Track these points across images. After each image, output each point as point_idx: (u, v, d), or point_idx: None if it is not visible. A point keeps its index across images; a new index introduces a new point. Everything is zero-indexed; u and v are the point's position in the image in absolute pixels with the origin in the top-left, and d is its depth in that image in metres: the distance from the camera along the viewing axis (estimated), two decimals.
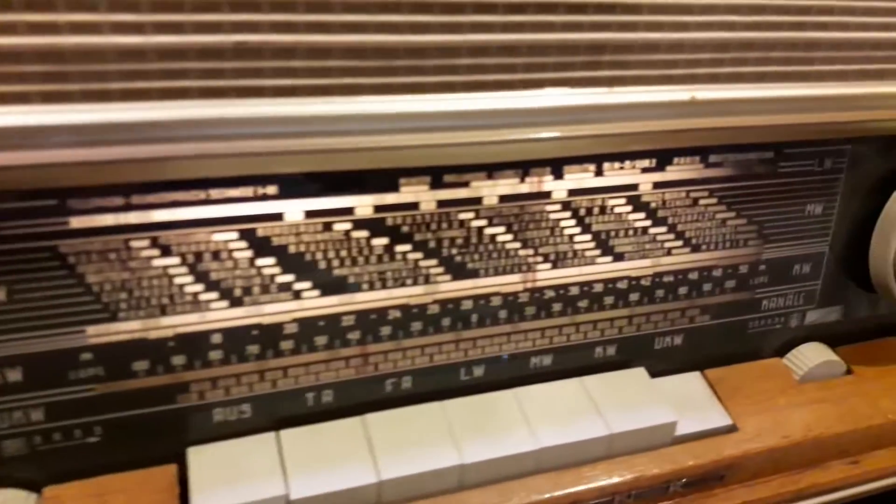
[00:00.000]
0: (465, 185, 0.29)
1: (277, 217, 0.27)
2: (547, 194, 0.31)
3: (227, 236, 0.27)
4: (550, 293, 0.32)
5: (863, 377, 0.37)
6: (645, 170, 0.32)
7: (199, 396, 0.29)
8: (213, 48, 0.23)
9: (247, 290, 0.28)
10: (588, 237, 0.32)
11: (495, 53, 0.25)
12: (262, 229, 0.27)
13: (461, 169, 0.29)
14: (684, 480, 0.32)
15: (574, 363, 0.34)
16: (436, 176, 0.29)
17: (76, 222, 0.25)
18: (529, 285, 0.32)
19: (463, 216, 0.30)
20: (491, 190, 0.30)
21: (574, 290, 0.33)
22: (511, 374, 0.33)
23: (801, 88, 0.30)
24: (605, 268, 0.33)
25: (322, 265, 0.28)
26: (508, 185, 0.30)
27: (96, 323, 0.26)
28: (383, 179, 0.28)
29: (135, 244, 0.26)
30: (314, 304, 0.29)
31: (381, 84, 0.25)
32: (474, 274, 0.31)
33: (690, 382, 0.35)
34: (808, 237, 0.36)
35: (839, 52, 0.30)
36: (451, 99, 0.26)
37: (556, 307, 0.33)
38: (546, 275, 0.32)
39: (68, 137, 0.23)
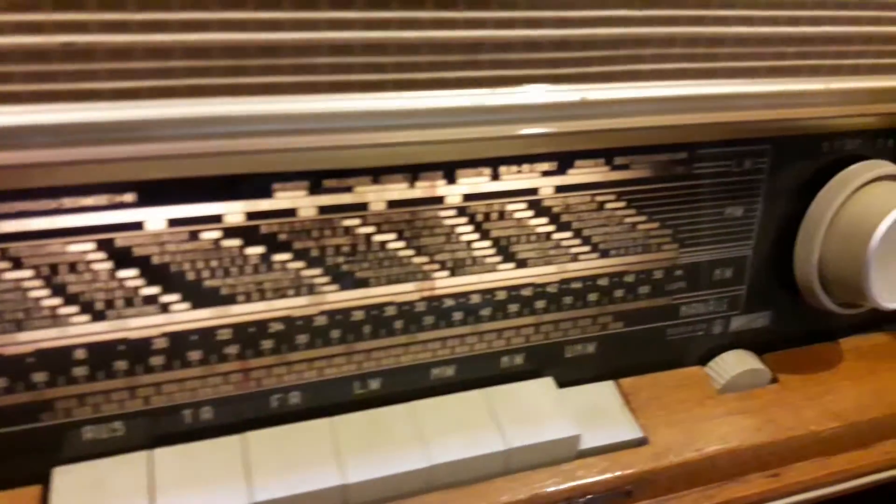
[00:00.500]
0: (348, 190, 0.27)
1: (137, 226, 0.26)
2: (440, 199, 0.29)
3: (82, 247, 0.25)
4: (450, 301, 0.31)
5: (788, 386, 0.36)
6: (545, 173, 0.30)
7: (65, 414, 0.27)
8: (39, 50, 0.22)
9: (109, 304, 0.26)
10: (487, 243, 0.30)
11: (361, 52, 0.24)
12: (120, 239, 0.25)
13: (342, 173, 0.27)
14: (588, 497, 0.30)
15: (479, 374, 0.32)
16: (314, 181, 0.27)
17: None
18: (426, 294, 0.30)
19: (348, 223, 0.28)
20: (378, 195, 0.28)
21: (475, 298, 0.31)
22: (411, 386, 0.32)
23: (705, 86, 0.29)
24: (508, 275, 0.31)
25: (191, 276, 0.27)
26: (397, 189, 0.28)
27: None
28: (255, 185, 0.26)
29: None
30: (185, 317, 0.27)
31: (242, 84, 0.24)
32: (364, 283, 0.29)
33: (602, 392, 0.34)
34: (728, 241, 0.35)
35: (745, 47, 0.28)
36: (320, 100, 0.24)
37: (457, 316, 0.31)
38: (444, 283, 0.30)
39: None
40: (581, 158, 0.30)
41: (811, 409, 0.35)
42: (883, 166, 0.34)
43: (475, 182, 0.29)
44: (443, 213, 0.29)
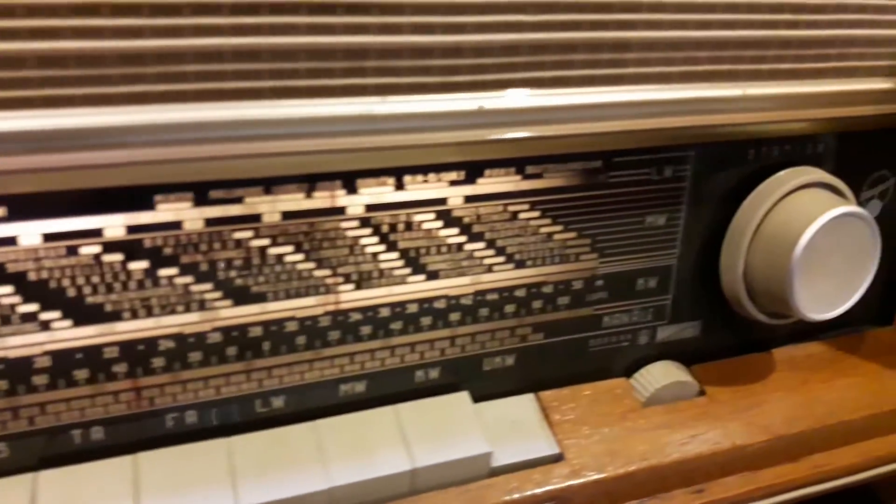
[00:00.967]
0: (238, 201, 0.26)
1: (10, 241, 0.24)
2: (341, 210, 0.28)
3: None
4: (357, 316, 0.30)
5: (716, 399, 0.35)
6: (453, 182, 0.29)
7: None
8: None
9: None
10: (395, 255, 0.29)
11: (231, 59, 0.22)
12: None
13: (230, 184, 0.26)
14: None
15: (392, 389, 0.31)
16: (200, 192, 0.26)
17: None
18: (331, 308, 0.29)
19: (239, 235, 0.27)
20: (271, 206, 0.27)
21: (384, 312, 0.30)
22: (318, 403, 0.30)
23: (613, 93, 0.28)
24: (419, 287, 0.30)
25: (71, 293, 0.25)
26: (292, 200, 0.27)
27: None
28: (135, 197, 0.25)
29: None
30: (68, 335, 0.26)
31: (112, 94, 0.23)
32: (261, 298, 0.28)
33: (520, 406, 0.32)
34: (651, 250, 0.34)
35: (654, 52, 0.27)
36: (191, 109, 0.23)
37: (366, 330, 0.30)
38: (350, 296, 0.29)
39: None
40: (491, 167, 0.29)
41: (738, 423, 0.34)
42: (811, 173, 0.33)
43: (378, 192, 0.28)
44: (344, 225, 0.28)
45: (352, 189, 0.28)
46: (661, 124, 0.29)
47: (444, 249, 0.30)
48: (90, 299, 0.26)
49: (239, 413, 0.29)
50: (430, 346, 0.31)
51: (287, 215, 0.27)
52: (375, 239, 0.29)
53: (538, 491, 0.30)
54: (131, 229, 0.25)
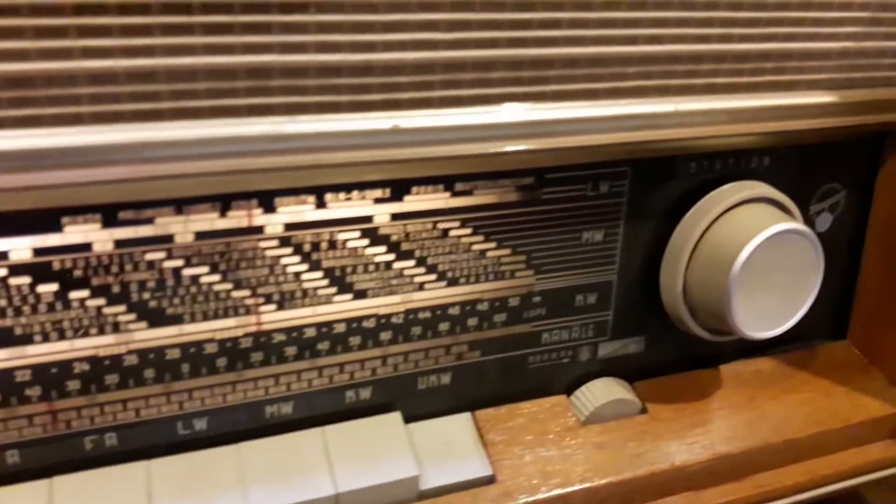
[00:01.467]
0: (149, 221, 0.26)
1: None
2: (259, 229, 0.27)
3: None
4: (280, 336, 0.29)
5: (658, 417, 0.34)
6: (378, 200, 0.28)
7: None
8: None
9: None
10: (319, 274, 0.29)
11: (126, 81, 0.22)
12: None
13: (140, 204, 0.26)
14: None
15: (321, 410, 0.31)
16: (109, 213, 0.25)
17: None
18: (253, 329, 0.29)
19: (151, 256, 0.26)
20: (183, 227, 0.26)
21: (310, 332, 0.29)
22: (243, 425, 0.30)
23: (535, 111, 0.27)
24: (346, 306, 0.30)
25: None
26: (206, 220, 0.26)
27: None
28: (41, 219, 0.24)
29: None
30: None
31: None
32: (178, 320, 0.27)
33: (455, 426, 0.32)
34: (589, 266, 0.33)
35: (577, 69, 0.27)
36: (86, 132, 0.22)
37: (290, 351, 0.29)
38: (272, 317, 0.29)
39: None
40: (418, 184, 0.29)
41: (680, 442, 0.33)
42: (754, 188, 0.33)
43: (298, 210, 0.27)
44: (263, 244, 0.27)
45: (269, 208, 0.27)
46: (591, 141, 0.28)
47: (371, 268, 0.29)
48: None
49: (160, 435, 0.29)
50: (360, 366, 0.31)
51: (201, 235, 0.26)
52: (297, 258, 0.28)
53: None
54: (38, 252, 0.25)
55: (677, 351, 0.36)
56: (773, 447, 0.34)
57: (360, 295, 0.30)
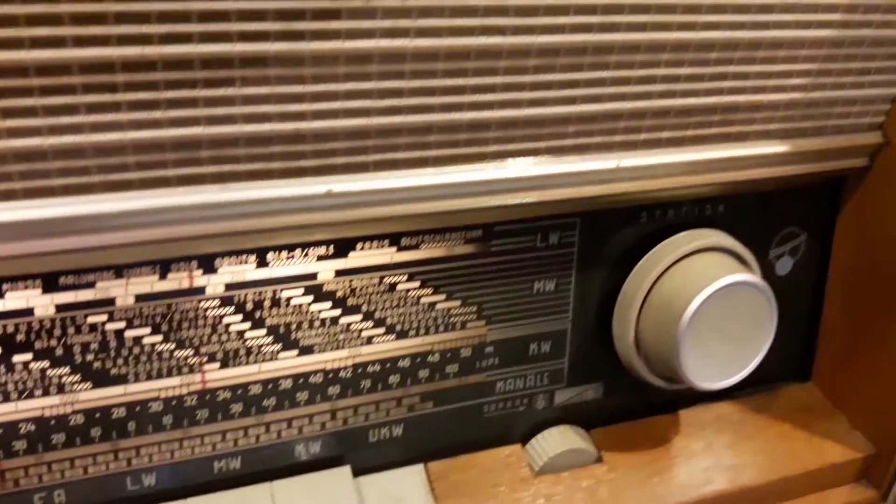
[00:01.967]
0: (90, 286, 0.26)
1: None
2: (200, 290, 0.27)
3: None
4: (226, 394, 0.29)
5: (614, 466, 0.34)
6: (322, 257, 0.29)
7: None
8: None
9: None
10: (262, 332, 0.29)
11: (54, 157, 0.22)
12: None
13: (78, 271, 0.26)
14: None
15: (270, 465, 0.31)
16: (49, 279, 0.26)
17: None
18: (198, 387, 0.29)
19: (93, 319, 0.27)
20: (124, 290, 0.26)
21: (256, 389, 0.30)
22: (191, 481, 0.30)
23: (472, 172, 0.27)
24: (292, 363, 0.30)
25: None
26: (146, 282, 0.27)
27: None
28: None
29: None
30: None
31: None
32: (122, 380, 0.28)
33: (406, 479, 0.32)
34: (542, 315, 0.33)
35: (514, 130, 0.27)
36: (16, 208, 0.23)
37: (236, 407, 0.29)
38: (216, 375, 0.29)
39: None
40: (362, 241, 0.29)
41: (634, 492, 0.33)
42: (706, 237, 0.32)
43: (239, 270, 0.27)
44: (204, 304, 0.28)
45: (210, 268, 0.27)
46: (532, 198, 0.28)
47: (316, 324, 0.29)
48: None
49: (108, 492, 0.29)
50: (308, 421, 0.31)
51: (141, 297, 0.27)
52: (239, 317, 0.28)
53: None
54: None
55: (636, 397, 0.36)
56: (729, 496, 0.34)
57: (307, 351, 0.30)
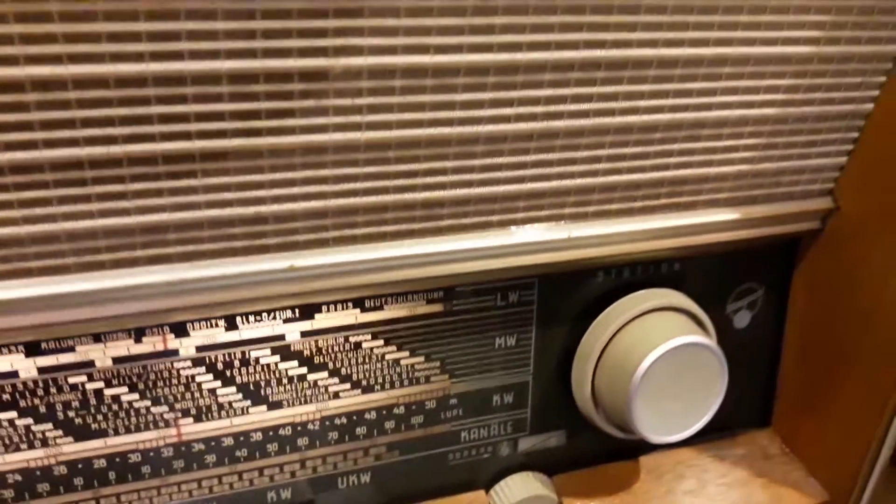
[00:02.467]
0: (70, 350, 0.28)
1: None
2: (173, 352, 0.29)
3: None
4: (200, 446, 0.31)
5: None
6: (288, 320, 0.30)
7: None
8: None
9: None
10: (232, 389, 0.31)
11: (29, 243, 0.24)
12: None
13: (59, 337, 0.28)
14: None
15: None
16: (32, 344, 0.28)
17: None
18: (173, 440, 0.31)
19: (74, 380, 0.29)
20: (102, 353, 0.28)
21: (227, 441, 0.31)
22: None
23: (427, 244, 0.29)
24: (261, 417, 0.32)
25: None
26: (122, 346, 0.29)
27: None
28: None
29: None
30: None
31: None
32: (102, 434, 0.30)
33: None
34: (504, 368, 0.34)
35: (468, 206, 0.28)
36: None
37: (210, 458, 0.31)
38: (190, 429, 0.31)
39: None
40: (328, 304, 0.31)
41: None
42: (660, 297, 0.34)
43: (209, 333, 0.29)
44: (178, 365, 0.30)
45: (182, 332, 0.29)
46: (490, 265, 0.30)
47: (284, 381, 0.31)
48: None
49: None
50: (279, 470, 0.33)
51: (119, 360, 0.29)
52: (210, 376, 0.30)
53: None
54: None
55: (599, 443, 0.38)
56: None
57: (276, 406, 0.32)
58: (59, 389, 0.29)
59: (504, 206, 0.29)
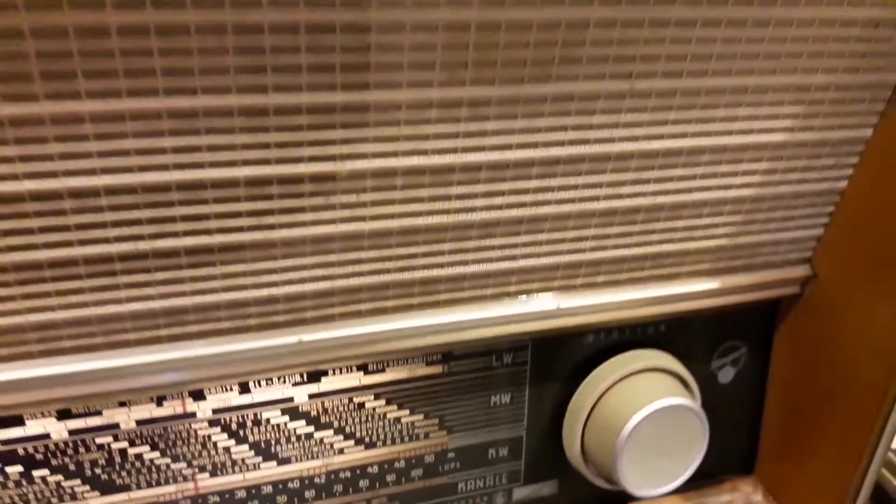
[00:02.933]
0: (98, 413, 0.31)
1: None
2: (191, 414, 0.32)
3: None
4: (215, 498, 0.34)
5: None
6: (297, 384, 0.33)
7: None
8: None
9: None
10: (245, 447, 0.33)
11: (64, 326, 0.27)
12: None
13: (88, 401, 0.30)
14: None
15: None
16: (62, 409, 0.30)
17: None
18: (191, 493, 0.33)
19: (100, 440, 0.31)
20: (126, 416, 0.31)
21: (241, 494, 0.34)
22: None
23: (425, 317, 0.31)
24: (271, 472, 0.34)
25: None
26: (145, 409, 0.31)
27: None
28: (6, 417, 0.29)
29: None
30: None
31: None
32: (126, 488, 0.32)
33: None
34: (499, 424, 0.37)
35: (464, 282, 0.30)
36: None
37: None
38: (207, 483, 0.33)
39: None
40: (333, 369, 0.33)
41: None
42: (646, 359, 0.36)
43: (224, 397, 0.32)
44: (195, 426, 0.32)
45: (199, 396, 0.32)
46: (485, 334, 0.32)
47: (293, 439, 0.34)
48: None
49: None
50: None
51: (141, 422, 0.31)
52: (225, 435, 0.33)
53: None
54: (4, 442, 0.30)
55: (590, 491, 0.40)
56: None
57: (285, 461, 0.34)
58: (87, 449, 0.31)
59: (497, 280, 0.31)
